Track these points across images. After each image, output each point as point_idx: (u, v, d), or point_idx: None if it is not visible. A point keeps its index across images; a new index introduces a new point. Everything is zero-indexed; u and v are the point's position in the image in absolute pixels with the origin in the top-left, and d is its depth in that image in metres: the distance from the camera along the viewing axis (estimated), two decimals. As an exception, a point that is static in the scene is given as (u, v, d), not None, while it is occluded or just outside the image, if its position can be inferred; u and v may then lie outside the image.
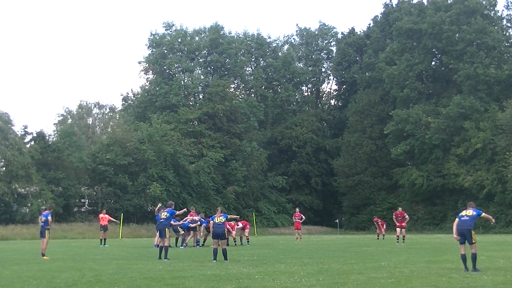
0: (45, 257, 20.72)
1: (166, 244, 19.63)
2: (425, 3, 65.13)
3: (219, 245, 18.53)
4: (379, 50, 69.20)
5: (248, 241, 31.13)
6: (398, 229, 30.76)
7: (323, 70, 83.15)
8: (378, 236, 36.86)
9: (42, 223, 21.72)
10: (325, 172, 72.85)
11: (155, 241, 27.89)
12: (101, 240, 31.64)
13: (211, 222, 19.15)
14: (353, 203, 67.31)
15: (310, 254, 22.14)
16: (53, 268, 16.67)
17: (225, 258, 18.28)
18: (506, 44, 60.77)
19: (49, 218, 21.86)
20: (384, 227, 37.54)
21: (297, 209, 38.77)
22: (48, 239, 21.75)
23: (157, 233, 28.05)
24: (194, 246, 28.34)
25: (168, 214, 20.17)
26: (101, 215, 33.07)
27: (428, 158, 60.37)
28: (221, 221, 18.68)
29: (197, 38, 73.07)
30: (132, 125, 61.89)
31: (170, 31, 72.80)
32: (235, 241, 30.18)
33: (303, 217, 37.60)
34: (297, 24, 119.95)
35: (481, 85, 56.95)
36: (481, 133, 55.09)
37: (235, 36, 77.25)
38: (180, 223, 28.26)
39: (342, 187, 68.41)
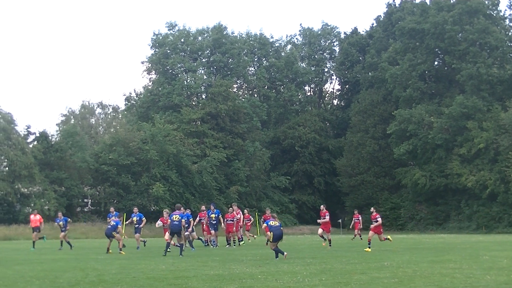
0: (121, 252, 23.22)
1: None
2: (428, 3, 64.90)
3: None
4: (382, 50, 69.11)
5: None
6: (370, 232, 29.00)
7: (326, 70, 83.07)
8: (354, 236, 35.93)
9: (109, 226, 23.43)
10: (328, 172, 72.78)
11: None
12: (33, 242, 28.27)
13: (265, 225, 20.23)
14: (356, 203, 67.01)
15: (313, 254, 22.12)
16: (56, 268, 16.69)
17: (281, 252, 19.43)
18: (509, 44, 60.52)
19: (119, 223, 23.70)
20: (360, 225, 36.19)
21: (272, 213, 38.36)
22: (119, 239, 23.63)
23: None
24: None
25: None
26: (32, 217, 29.76)
27: (431, 158, 60.26)
28: (276, 223, 19.87)
29: (200, 38, 73.07)
30: (135, 125, 61.97)
31: (173, 31, 72.83)
32: (238, 241, 30.10)
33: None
34: (300, 24, 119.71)
35: (484, 85, 56.84)
36: (484, 133, 54.97)
37: (238, 36, 77.19)
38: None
39: (345, 187, 68.34)
